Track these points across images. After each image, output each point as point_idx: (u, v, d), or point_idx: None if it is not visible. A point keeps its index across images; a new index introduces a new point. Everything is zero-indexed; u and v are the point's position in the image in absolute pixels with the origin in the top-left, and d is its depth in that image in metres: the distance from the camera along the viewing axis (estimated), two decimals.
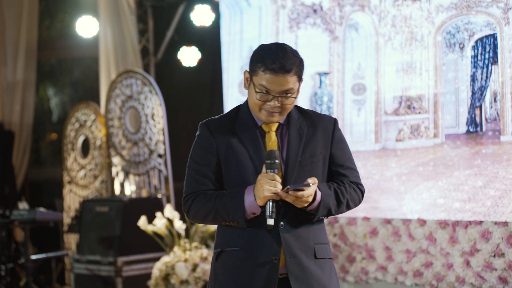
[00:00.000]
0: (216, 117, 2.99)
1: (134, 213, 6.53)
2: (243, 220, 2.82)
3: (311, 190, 2.77)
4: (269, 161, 2.78)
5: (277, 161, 2.77)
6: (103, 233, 6.74)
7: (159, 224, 6.22)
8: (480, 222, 5.17)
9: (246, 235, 2.86)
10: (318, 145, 2.92)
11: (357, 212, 5.92)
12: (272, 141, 2.89)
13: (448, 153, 5.46)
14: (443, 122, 5.52)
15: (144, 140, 7.28)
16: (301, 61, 2.85)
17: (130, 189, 7.45)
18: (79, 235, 7.21)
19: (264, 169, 2.81)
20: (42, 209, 6.71)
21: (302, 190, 2.75)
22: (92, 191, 7.83)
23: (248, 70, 2.88)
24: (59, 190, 8.34)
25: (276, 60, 2.78)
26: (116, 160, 7.57)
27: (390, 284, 5.74)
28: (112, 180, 7.67)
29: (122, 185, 7.52)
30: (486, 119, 5.28)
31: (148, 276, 6.52)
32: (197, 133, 2.96)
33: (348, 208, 2.95)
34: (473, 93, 5.34)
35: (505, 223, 5.04)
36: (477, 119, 5.32)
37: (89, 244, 6.84)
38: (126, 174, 7.49)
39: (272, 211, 2.76)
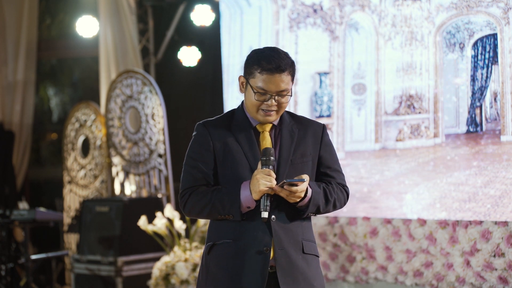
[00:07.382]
0: (212, 118, 3.15)
1: (134, 213, 6.53)
2: (239, 214, 2.98)
3: (304, 185, 2.93)
4: (264, 158, 2.95)
5: (272, 158, 2.95)
6: (103, 233, 6.74)
7: (159, 224, 6.22)
8: (480, 222, 5.17)
9: (239, 228, 3.01)
10: (308, 147, 3.10)
11: (357, 212, 5.92)
12: (265, 140, 3.06)
13: (448, 153, 5.46)
14: (443, 122, 5.52)
15: (144, 140, 7.28)
16: (292, 62, 3.03)
17: (130, 189, 7.45)
18: (79, 235, 7.21)
19: (259, 166, 2.97)
20: (42, 209, 6.71)
21: (296, 185, 2.90)
22: (92, 191, 7.83)
23: (242, 75, 3.08)
24: (59, 190, 8.34)
25: (271, 61, 2.97)
26: (116, 160, 7.57)
27: (390, 284, 5.74)
28: (112, 180, 7.67)
29: (122, 185, 7.52)
30: (486, 119, 5.28)
31: (148, 276, 6.53)
32: (194, 133, 3.12)
33: (335, 207, 3.12)
34: (473, 93, 5.34)
35: (505, 223, 5.04)
36: (477, 119, 5.32)
37: (89, 244, 6.84)
38: (126, 174, 7.49)
39: (266, 205, 2.93)
